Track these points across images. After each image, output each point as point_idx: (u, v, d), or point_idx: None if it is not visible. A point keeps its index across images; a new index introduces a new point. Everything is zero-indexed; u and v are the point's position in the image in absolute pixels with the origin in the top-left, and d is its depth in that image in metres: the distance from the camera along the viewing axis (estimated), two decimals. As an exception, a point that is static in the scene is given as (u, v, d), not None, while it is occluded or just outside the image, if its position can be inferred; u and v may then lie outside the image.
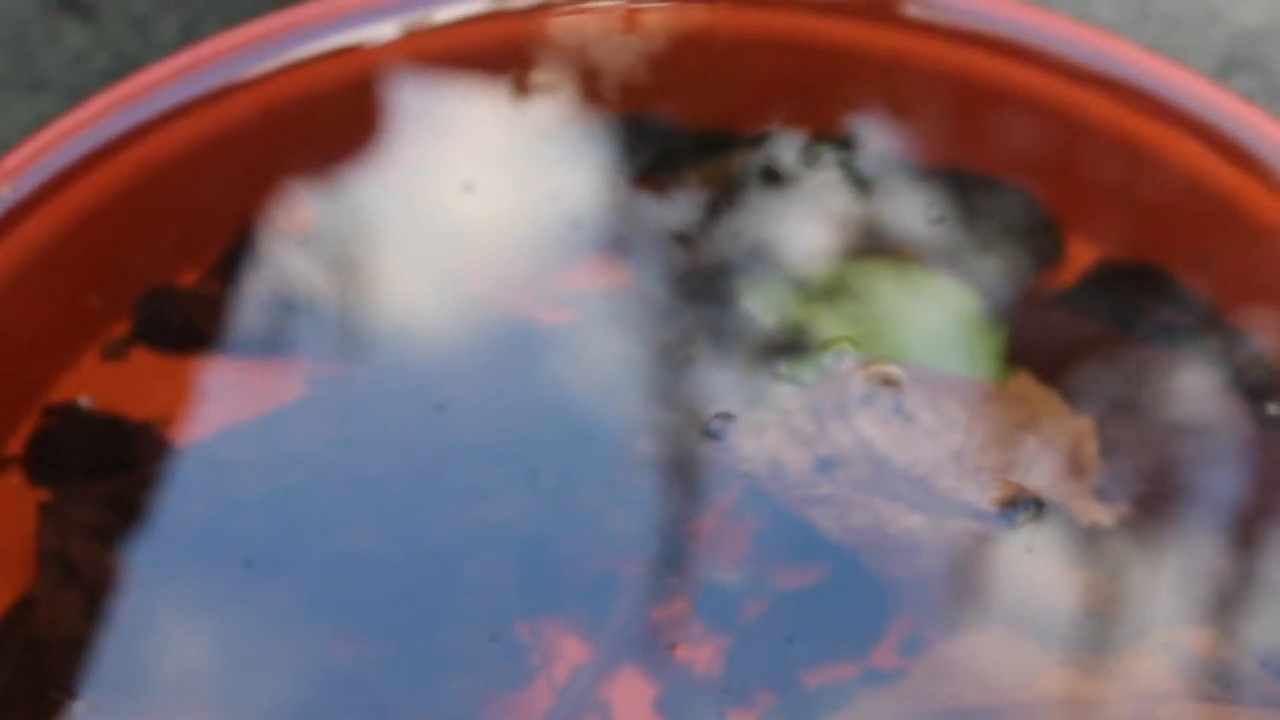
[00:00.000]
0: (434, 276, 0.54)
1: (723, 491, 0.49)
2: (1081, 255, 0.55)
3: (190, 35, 0.69)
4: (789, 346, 0.52)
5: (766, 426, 0.49)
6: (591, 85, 0.59)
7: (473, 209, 0.55)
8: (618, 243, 0.55)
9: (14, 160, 0.53)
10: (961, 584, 0.48)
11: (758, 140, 0.58)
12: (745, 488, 0.49)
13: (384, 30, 0.59)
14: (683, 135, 0.58)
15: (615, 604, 0.48)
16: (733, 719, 0.46)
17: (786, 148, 0.58)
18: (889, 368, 0.51)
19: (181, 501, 0.49)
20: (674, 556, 0.49)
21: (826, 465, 0.49)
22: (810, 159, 0.57)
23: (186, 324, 0.53)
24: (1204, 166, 0.56)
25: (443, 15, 0.60)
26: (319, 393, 0.51)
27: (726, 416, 0.50)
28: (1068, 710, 0.46)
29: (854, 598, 0.48)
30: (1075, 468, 0.49)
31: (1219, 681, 0.46)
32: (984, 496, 0.49)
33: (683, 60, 0.59)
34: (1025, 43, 0.59)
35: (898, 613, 0.48)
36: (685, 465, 0.50)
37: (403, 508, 0.49)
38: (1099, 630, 0.47)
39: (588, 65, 0.59)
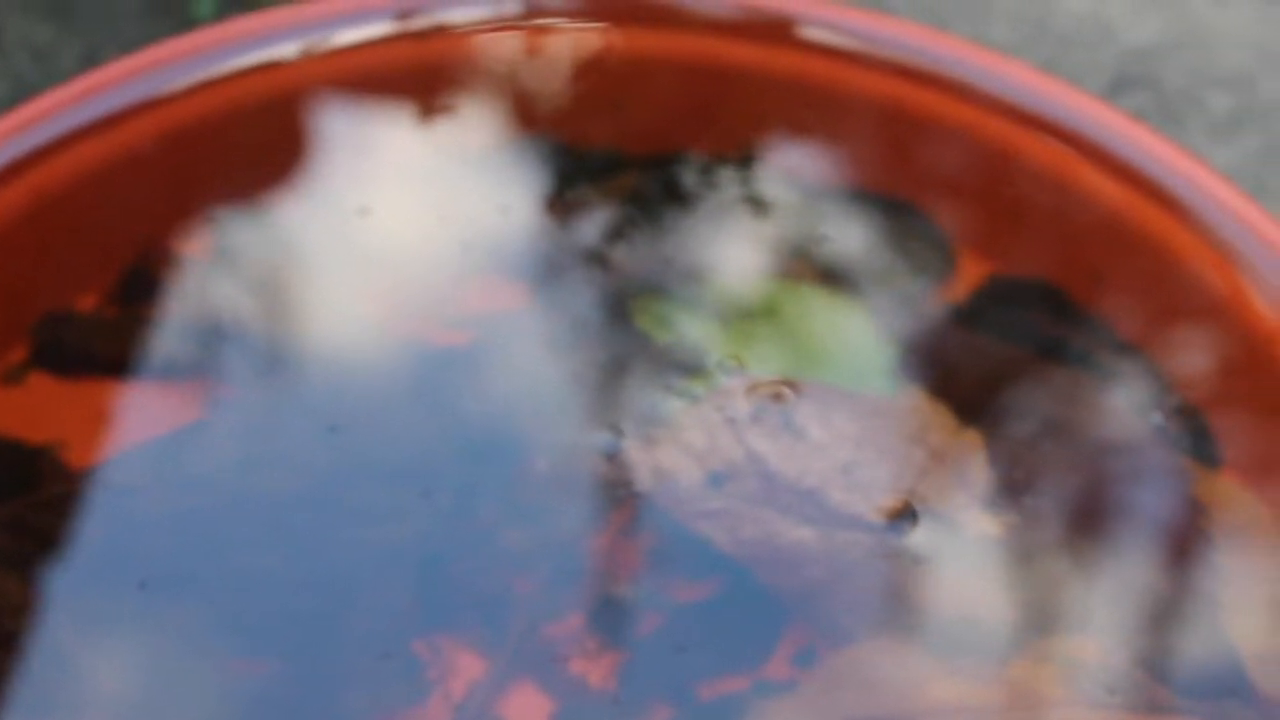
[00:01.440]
0: (332, 299, 0.54)
1: (618, 507, 0.50)
2: (974, 271, 0.56)
3: (90, 64, 0.69)
4: (682, 363, 0.52)
5: (658, 442, 0.50)
6: (493, 108, 0.59)
7: (370, 232, 0.56)
8: (516, 264, 0.56)
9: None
10: (852, 595, 0.48)
11: (657, 161, 0.58)
12: (640, 503, 0.50)
13: (285, 53, 0.59)
14: (583, 156, 0.59)
15: (511, 620, 0.48)
16: (628, 732, 0.46)
17: (686, 168, 0.58)
18: (780, 383, 0.51)
19: (81, 524, 0.50)
20: (570, 572, 0.49)
21: (717, 479, 0.50)
22: (709, 179, 0.58)
23: (85, 348, 0.53)
24: (1094, 184, 0.57)
25: (343, 38, 0.60)
26: (217, 415, 0.52)
27: (620, 433, 0.51)
28: (958, 719, 0.46)
29: (747, 610, 0.48)
30: (963, 480, 0.50)
31: (1107, 688, 0.47)
32: (873, 509, 0.49)
33: (584, 82, 0.60)
34: (921, 65, 0.59)
35: (791, 624, 0.48)
36: (580, 482, 0.50)
37: (301, 528, 0.49)
38: (988, 639, 0.48)
39: (489, 88, 0.59)
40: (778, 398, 0.51)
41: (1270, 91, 0.71)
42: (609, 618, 0.48)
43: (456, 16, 0.61)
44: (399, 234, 0.56)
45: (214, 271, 0.55)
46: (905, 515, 0.49)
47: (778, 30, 0.60)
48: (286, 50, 0.59)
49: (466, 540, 0.49)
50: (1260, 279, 0.54)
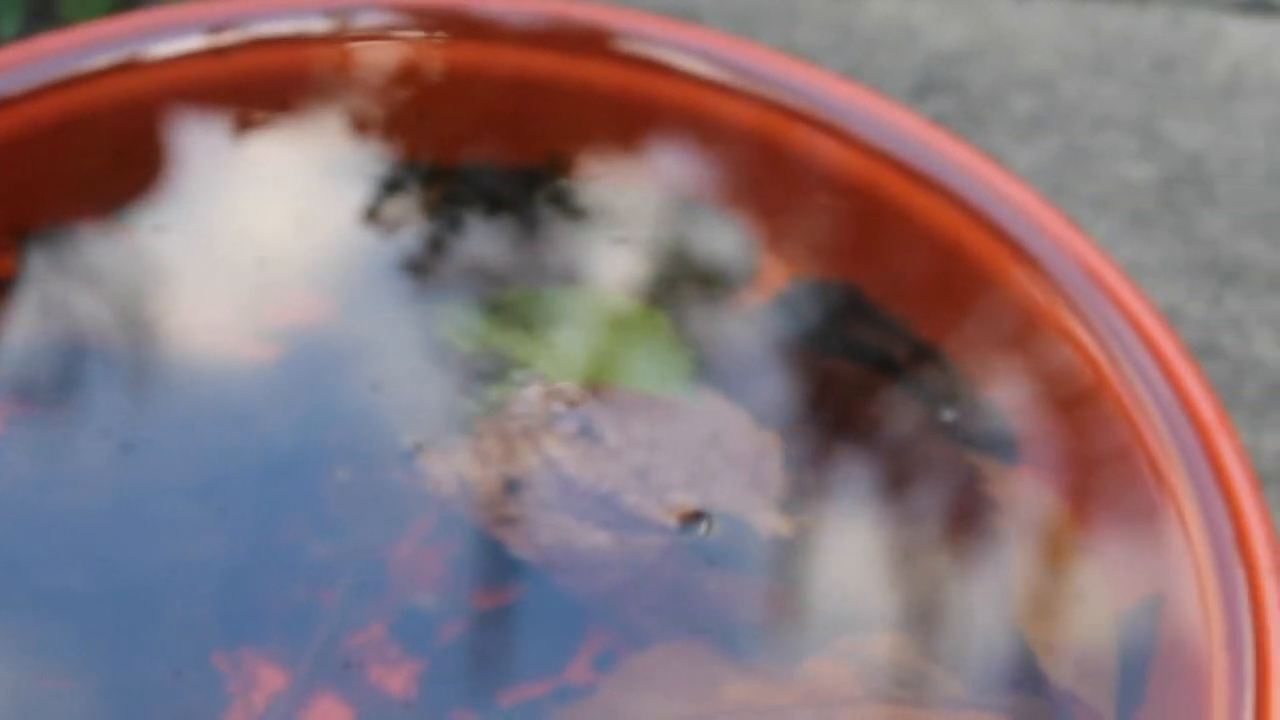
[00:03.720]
0: (131, 316, 0.54)
1: (420, 517, 0.50)
2: (774, 275, 0.57)
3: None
4: (483, 372, 0.53)
5: (456, 450, 0.50)
6: (304, 121, 0.59)
7: (170, 247, 0.56)
8: (319, 277, 0.56)
9: None
10: (648, 598, 0.49)
11: (465, 172, 0.59)
12: (440, 512, 0.50)
13: (90, 68, 0.59)
14: (393, 167, 0.59)
15: (313, 632, 0.48)
16: (429, 740, 0.47)
17: (492, 178, 0.58)
18: (577, 389, 0.52)
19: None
20: (371, 582, 0.49)
21: (514, 486, 0.50)
22: (516, 189, 0.58)
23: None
24: (892, 188, 0.58)
25: (152, 53, 0.60)
26: (14, 433, 0.51)
27: (420, 443, 0.51)
28: (753, 718, 0.47)
29: (547, 616, 0.49)
30: (758, 481, 0.50)
31: (900, 684, 0.48)
32: (667, 512, 0.50)
33: (395, 94, 0.60)
34: (726, 74, 0.60)
35: (590, 629, 0.49)
36: (381, 492, 0.50)
37: (98, 545, 0.49)
38: (782, 638, 0.48)
39: (300, 101, 0.59)
40: (574, 404, 0.52)
41: (1071, 93, 0.72)
42: (410, 626, 0.49)
43: (268, 30, 0.61)
44: (197, 249, 0.56)
45: (10, 291, 0.55)
46: (699, 518, 0.50)
47: (587, 42, 0.60)
48: (92, 65, 0.59)
49: (268, 553, 0.49)
50: (1053, 277, 0.55)
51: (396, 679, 0.48)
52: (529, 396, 0.52)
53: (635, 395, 0.53)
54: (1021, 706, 0.48)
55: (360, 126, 0.60)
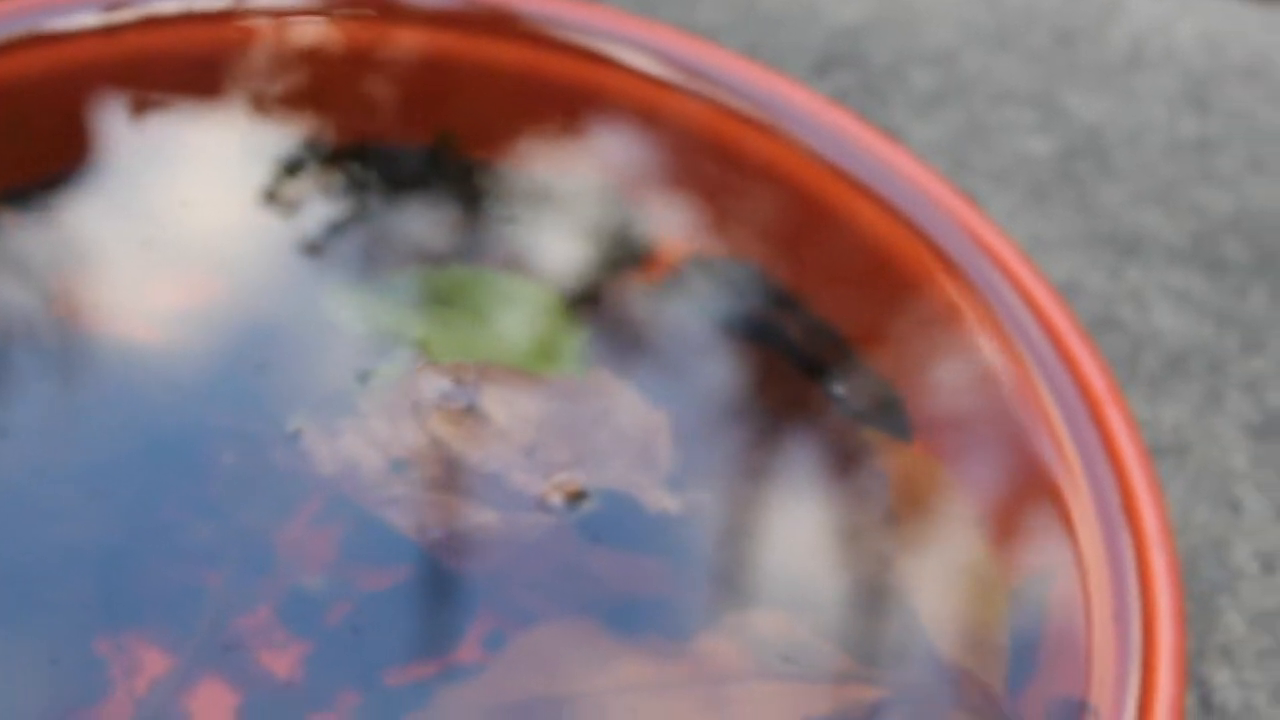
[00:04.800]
0: (12, 298, 0.54)
1: (306, 498, 0.50)
2: (671, 253, 0.57)
3: None
4: (371, 352, 0.52)
5: (342, 431, 0.50)
6: (197, 100, 0.59)
7: (53, 228, 0.55)
8: (208, 258, 0.55)
9: None
10: (536, 577, 0.49)
11: (363, 151, 0.58)
12: (326, 493, 0.50)
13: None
14: (289, 148, 0.58)
15: (198, 615, 0.48)
16: (315, 722, 0.46)
17: (389, 159, 0.58)
18: (465, 369, 0.52)
19: None
20: (257, 565, 0.49)
21: (400, 466, 0.50)
22: (412, 169, 0.58)
23: None
24: (790, 166, 0.58)
25: (42, 30, 0.59)
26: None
27: (306, 423, 0.50)
28: (641, 695, 0.47)
29: (435, 596, 0.49)
30: (647, 459, 0.50)
31: (788, 659, 0.48)
32: (554, 490, 0.50)
33: (293, 73, 0.59)
34: (626, 54, 0.60)
35: (478, 608, 0.48)
36: (266, 474, 0.50)
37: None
38: (670, 615, 0.48)
39: (195, 80, 0.59)
40: (462, 383, 0.51)
41: (972, 67, 0.72)
42: (296, 608, 0.48)
43: (163, 8, 0.60)
44: (81, 230, 0.55)
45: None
46: (586, 496, 0.50)
47: (488, 21, 0.60)
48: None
49: (151, 536, 0.49)
50: (946, 253, 0.55)
51: (283, 661, 0.47)
52: (416, 376, 0.51)
53: (524, 374, 0.52)
54: (911, 681, 0.48)
55: (256, 106, 0.59)
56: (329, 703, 0.47)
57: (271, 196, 0.57)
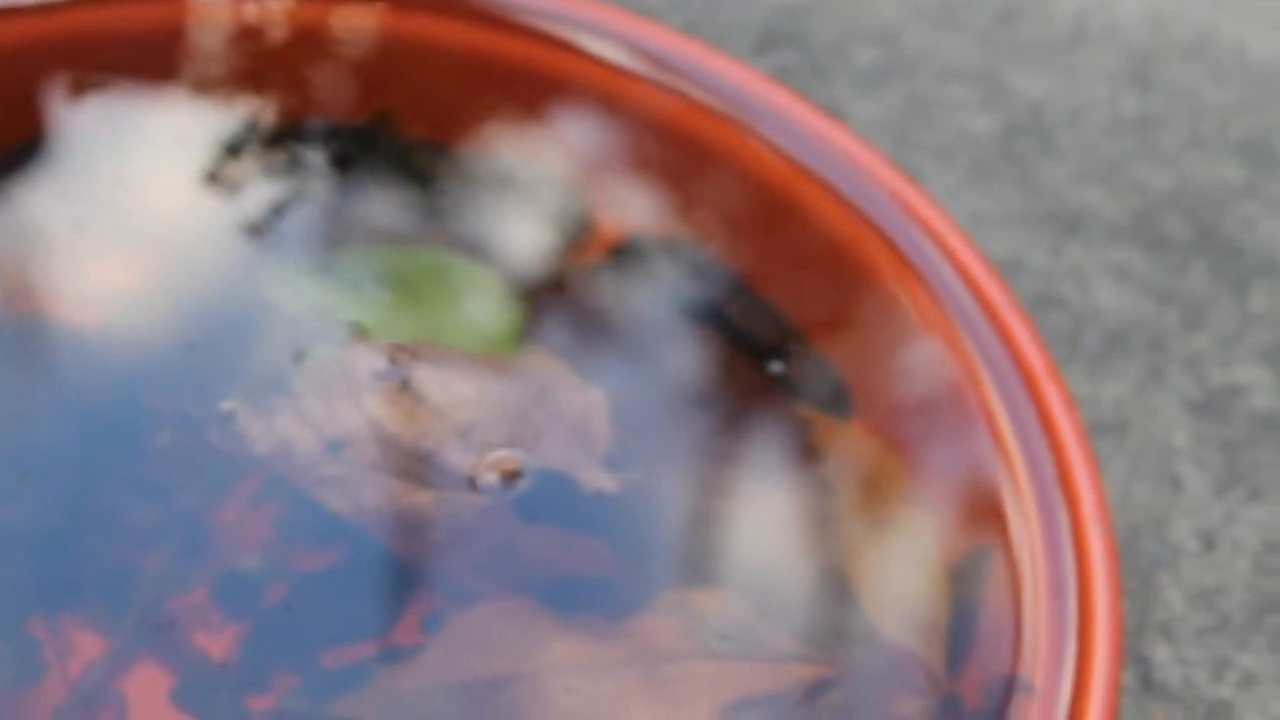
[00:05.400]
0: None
1: (241, 478, 0.49)
2: (608, 233, 0.56)
3: None
4: (308, 332, 0.52)
5: (276, 411, 0.50)
6: (135, 80, 0.58)
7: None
8: (143, 239, 0.55)
9: None
10: (472, 557, 0.49)
11: (299, 131, 0.58)
12: (262, 474, 0.49)
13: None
14: (226, 128, 0.58)
15: (134, 597, 0.47)
16: (251, 704, 0.46)
17: (328, 138, 0.58)
18: (402, 348, 0.51)
19: None
20: (194, 546, 0.49)
21: (335, 446, 0.50)
22: (349, 148, 0.57)
23: None
24: (725, 142, 0.58)
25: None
26: None
27: (241, 404, 0.50)
28: (579, 674, 0.47)
29: (371, 576, 0.48)
30: (584, 438, 0.50)
31: (726, 639, 0.47)
32: (490, 470, 0.49)
33: (247, 52, 0.59)
34: (564, 31, 0.60)
35: (415, 589, 0.48)
36: (202, 455, 0.50)
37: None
38: (608, 595, 0.48)
39: (132, 60, 0.59)
40: (398, 362, 0.51)
41: (914, 44, 0.72)
42: (232, 590, 0.48)
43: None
44: (12, 212, 0.55)
45: None
46: (522, 475, 0.49)
47: (437, 3, 0.60)
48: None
49: (86, 518, 0.49)
50: (884, 230, 0.55)
51: (218, 643, 0.47)
52: (352, 356, 0.51)
53: (461, 354, 0.52)
54: (851, 660, 0.48)
55: (197, 86, 0.59)
56: (265, 684, 0.47)
57: (211, 177, 0.56)
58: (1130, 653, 0.57)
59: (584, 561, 0.49)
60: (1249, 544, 0.60)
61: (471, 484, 0.49)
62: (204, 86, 0.58)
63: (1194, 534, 0.60)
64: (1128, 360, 0.64)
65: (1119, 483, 0.60)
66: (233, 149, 0.57)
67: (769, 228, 0.56)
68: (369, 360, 0.51)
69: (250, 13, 0.59)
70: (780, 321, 0.54)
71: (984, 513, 0.50)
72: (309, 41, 0.59)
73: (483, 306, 0.53)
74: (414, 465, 0.49)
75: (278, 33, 0.59)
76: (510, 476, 0.49)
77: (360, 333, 0.52)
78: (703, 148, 0.57)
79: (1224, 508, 0.60)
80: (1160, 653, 0.57)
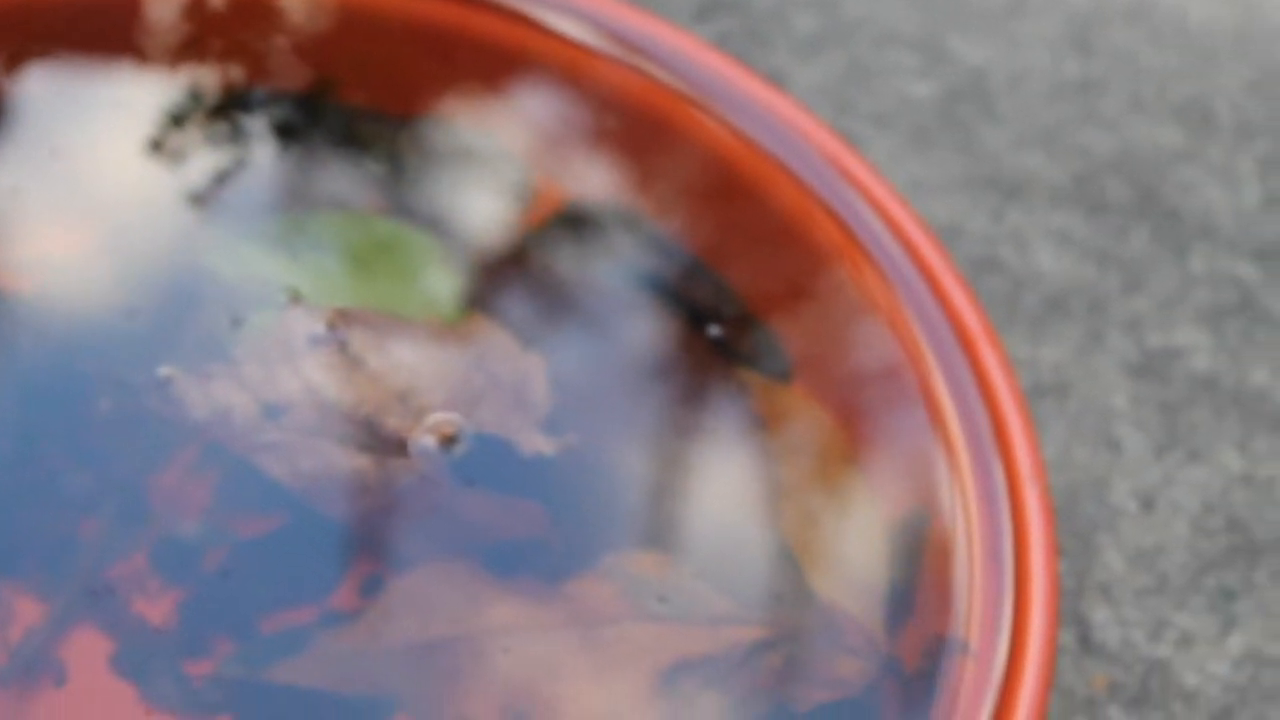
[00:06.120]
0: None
1: (180, 445, 0.49)
2: (549, 199, 0.56)
3: None
4: (246, 298, 0.52)
5: (214, 377, 0.50)
6: (77, 51, 0.58)
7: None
8: (82, 206, 0.55)
9: None
10: (411, 521, 0.49)
11: (241, 99, 0.58)
12: (201, 440, 0.49)
13: None
14: (167, 97, 0.58)
15: (73, 563, 0.47)
16: (189, 669, 0.46)
17: (267, 106, 0.58)
18: (340, 314, 0.51)
19: None
20: (133, 512, 0.48)
21: (273, 411, 0.49)
22: (288, 116, 0.57)
23: None
24: (665, 108, 0.58)
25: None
26: None
27: (180, 370, 0.50)
28: (518, 637, 0.47)
29: (311, 542, 0.48)
30: (522, 403, 0.50)
31: (664, 601, 0.48)
32: (428, 434, 0.49)
33: (188, 22, 0.59)
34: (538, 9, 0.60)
35: (354, 554, 0.48)
36: (141, 421, 0.50)
37: None
38: (546, 558, 0.48)
39: (87, 28, 0.58)
40: (337, 328, 0.51)
41: (854, 10, 0.72)
42: (171, 556, 0.48)
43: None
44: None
45: None
46: (459, 439, 0.49)
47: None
48: None
49: (25, 485, 0.49)
50: (822, 196, 0.55)
51: (157, 609, 0.47)
52: (290, 321, 0.51)
53: (400, 320, 0.52)
54: (789, 622, 0.48)
55: (137, 55, 0.58)
56: (204, 649, 0.47)
57: (154, 145, 0.56)
58: (1069, 613, 0.57)
59: (522, 525, 0.49)
60: (1188, 505, 0.60)
61: (410, 449, 0.49)
62: (146, 56, 0.58)
63: (1133, 495, 0.60)
64: (1068, 323, 0.64)
65: (1058, 445, 0.61)
66: (176, 118, 0.57)
67: (708, 195, 0.56)
68: (308, 326, 0.51)
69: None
70: (721, 287, 0.54)
71: (922, 476, 0.50)
72: (253, 10, 0.59)
73: (423, 273, 0.53)
74: (352, 430, 0.49)
75: (220, 1, 0.59)
76: (448, 441, 0.49)
77: (298, 299, 0.52)
78: (650, 119, 0.57)
79: (1163, 469, 0.61)
80: (1099, 613, 0.57)
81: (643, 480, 0.50)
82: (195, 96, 0.57)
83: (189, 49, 0.59)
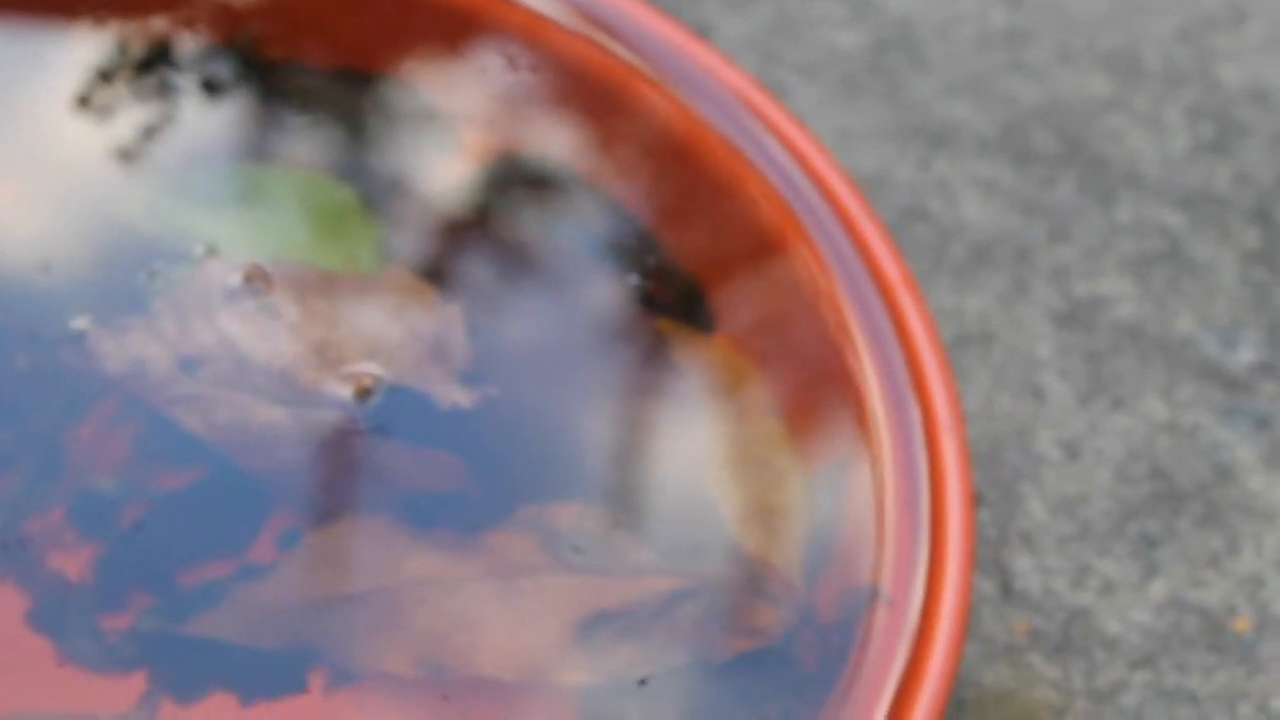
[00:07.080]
0: None
1: (96, 399, 0.49)
2: (476, 150, 0.56)
3: None
4: (163, 251, 0.52)
5: (129, 329, 0.49)
6: (7, 6, 0.58)
7: None
8: (1, 163, 0.54)
9: None
10: (328, 474, 0.49)
11: (167, 54, 0.57)
12: (116, 394, 0.49)
13: None
14: (89, 52, 0.57)
15: (-12, 518, 0.47)
16: (106, 623, 0.46)
17: (195, 60, 0.57)
18: (256, 266, 0.51)
19: None
20: (50, 467, 0.48)
21: (189, 364, 0.49)
22: (215, 70, 0.57)
23: None
24: (589, 59, 0.58)
25: None
26: None
27: (95, 323, 0.50)
28: (435, 590, 0.47)
29: (228, 495, 0.48)
30: (440, 354, 0.50)
31: (582, 552, 0.48)
32: (344, 386, 0.49)
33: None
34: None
35: (272, 507, 0.48)
36: (55, 375, 0.49)
37: None
38: (464, 510, 0.48)
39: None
40: (253, 280, 0.51)
41: (783, -40, 0.72)
42: (88, 510, 0.48)
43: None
44: None
45: None
46: (376, 391, 0.49)
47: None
48: None
49: (-61, 440, 0.48)
50: (740, 146, 0.55)
51: (74, 563, 0.47)
52: (206, 273, 0.51)
53: (316, 271, 0.52)
54: (708, 571, 0.48)
55: (63, 10, 0.58)
56: (121, 603, 0.47)
57: (78, 101, 0.56)
58: (991, 562, 0.57)
59: (439, 477, 0.49)
60: (1112, 453, 0.60)
61: (326, 401, 0.49)
62: (73, 9, 0.58)
63: (1057, 444, 0.60)
64: (993, 273, 0.64)
65: (982, 394, 0.61)
66: (101, 73, 0.57)
67: (628, 140, 0.56)
68: (225, 279, 0.51)
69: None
70: (641, 235, 0.54)
71: (840, 422, 0.51)
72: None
73: (343, 225, 0.53)
74: (269, 383, 0.49)
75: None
76: (365, 393, 0.49)
77: (215, 251, 0.52)
78: (573, 70, 0.57)
79: (1087, 418, 0.61)
80: (1021, 562, 0.57)
81: (562, 432, 0.50)
82: (121, 51, 0.57)
83: (115, 2, 0.58)
